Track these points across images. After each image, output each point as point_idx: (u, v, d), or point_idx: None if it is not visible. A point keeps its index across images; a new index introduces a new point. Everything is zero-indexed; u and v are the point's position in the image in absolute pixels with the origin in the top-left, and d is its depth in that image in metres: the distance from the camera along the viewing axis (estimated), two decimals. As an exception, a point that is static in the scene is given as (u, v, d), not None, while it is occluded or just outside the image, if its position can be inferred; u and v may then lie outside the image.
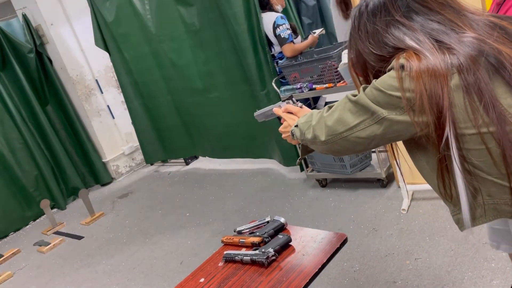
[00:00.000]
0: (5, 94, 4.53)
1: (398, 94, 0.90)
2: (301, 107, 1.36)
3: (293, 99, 1.42)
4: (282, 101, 1.43)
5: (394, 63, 0.93)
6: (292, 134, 1.23)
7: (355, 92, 1.03)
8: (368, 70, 1.05)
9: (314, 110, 1.16)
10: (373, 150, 3.10)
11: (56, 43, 4.71)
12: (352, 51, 1.07)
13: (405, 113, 0.90)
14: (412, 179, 2.63)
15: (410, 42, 0.94)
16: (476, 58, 0.88)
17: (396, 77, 0.90)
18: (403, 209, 2.68)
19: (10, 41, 4.60)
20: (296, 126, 1.19)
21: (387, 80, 0.92)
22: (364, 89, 0.98)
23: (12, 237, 4.47)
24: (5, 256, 3.94)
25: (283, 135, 1.35)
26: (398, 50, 0.96)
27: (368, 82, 1.06)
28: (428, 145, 0.95)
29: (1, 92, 4.51)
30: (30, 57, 4.67)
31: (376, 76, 1.00)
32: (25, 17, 4.66)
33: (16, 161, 4.59)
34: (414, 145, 1.00)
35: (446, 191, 0.98)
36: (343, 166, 3.11)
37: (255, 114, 1.58)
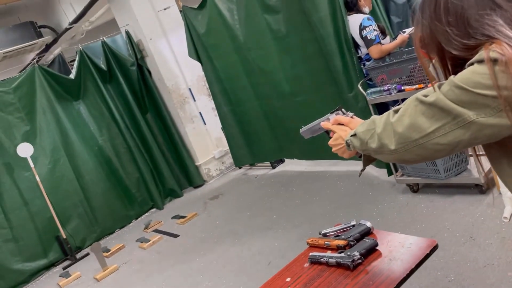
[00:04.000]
0: (112, 104, 5.01)
1: (491, 93, 0.78)
2: (351, 117, 1.27)
3: (343, 109, 1.33)
4: (331, 113, 1.35)
5: (482, 56, 0.80)
6: (348, 145, 1.13)
7: (426, 92, 0.91)
8: (445, 52, 0.91)
9: (375, 116, 1.05)
10: (470, 153, 2.90)
11: (154, 56, 5.11)
12: (423, 28, 0.92)
13: (498, 114, 0.79)
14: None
15: (504, 28, 0.80)
16: None
17: (490, 74, 0.78)
18: (505, 217, 2.47)
19: (116, 55, 5.09)
20: (354, 135, 1.09)
21: (473, 76, 0.80)
22: (439, 87, 0.87)
23: (117, 234, 4.92)
24: (112, 250, 4.35)
25: (333, 149, 1.26)
26: (486, 38, 0.82)
27: (444, 64, 0.93)
28: None
29: (109, 102, 5.00)
30: (132, 69, 5.12)
31: (455, 62, 0.89)
32: (127, 33, 5.13)
33: (121, 165, 5.05)
34: (493, 144, 0.89)
35: None
36: (436, 170, 2.95)
37: (301, 130, 1.49)
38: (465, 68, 0.83)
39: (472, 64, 0.82)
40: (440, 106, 0.85)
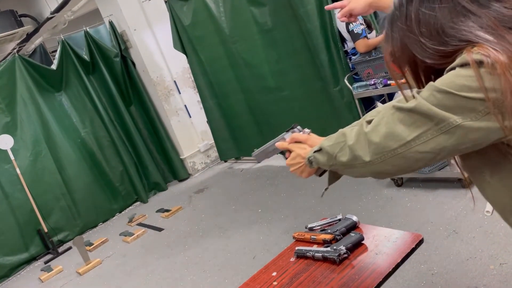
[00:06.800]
0: (95, 96, 4.93)
1: (478, 95, 0.76)
2: (309, 134, 1.20)
3: (298, 127, 1.26)
4: (286, 131, 1.28)
5: (465, 59, 0.78)
6: (310, 162, 1.06)
7: (400, 99, 0.88)
8: (418, 64, 0.89)
9: (344, 129, 0.99)
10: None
11: (138, 47, 5.03)
12: (393, 41, 0.90)
13: (485, 117, 0.76)
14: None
15: (482, 33, 0.79)
16: None
17: (476, 76, 0.75)
18: (488, 211, 2.51)
19: (99, 46, 4.99)
20: (319, 150, 1.03)
21: (457, 80, 0.77)
22: (418, 93, 0.83)
23: (101, 227, 4.86)
24: (95, 244, 4.29)
25: (291, 168, 1.19)
26: (465, 43, 0.80)
27: (417, 77, 0.91)
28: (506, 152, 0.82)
29: (91, 94, 4.91)
30: (116, 61, 5.03)
31: (427, 73, 0.87)
32: (111, 23, 5.03)
33: (104, 158, 4.98)
34: (472, 154, 0.85)
35: None
36: (420, 164, 2.98)
37: (253, 154, 1.42)
38: (443, 75, 0.81)
39: (453, 68, 0.79)
40: (421, 111, 0.81)
